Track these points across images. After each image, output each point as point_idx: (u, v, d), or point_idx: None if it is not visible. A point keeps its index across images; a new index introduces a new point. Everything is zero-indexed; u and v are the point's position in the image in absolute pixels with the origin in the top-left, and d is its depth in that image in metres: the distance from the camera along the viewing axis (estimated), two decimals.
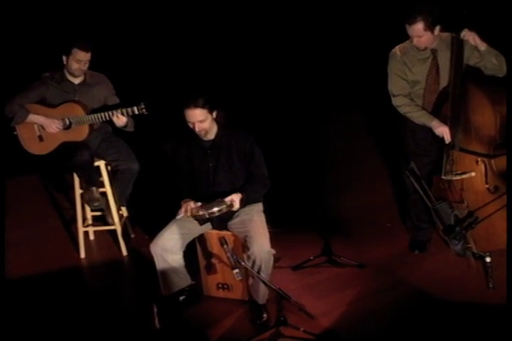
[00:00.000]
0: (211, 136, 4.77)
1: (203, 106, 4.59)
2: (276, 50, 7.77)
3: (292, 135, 6.83)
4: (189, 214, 4.59)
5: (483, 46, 4.72)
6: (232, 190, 4.71)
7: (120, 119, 5.26)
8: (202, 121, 4.62)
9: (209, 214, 4.54)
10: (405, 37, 4.88)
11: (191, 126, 4.66)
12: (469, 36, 4.70)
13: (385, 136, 6.68)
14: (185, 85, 6.90)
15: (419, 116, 4.93)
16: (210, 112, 4.65)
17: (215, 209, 4.54)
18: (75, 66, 5.34)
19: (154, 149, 6.68)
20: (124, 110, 5.24)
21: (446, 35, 4.88)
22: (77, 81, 5.47)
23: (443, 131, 4.81)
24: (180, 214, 4.66)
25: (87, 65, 5.39)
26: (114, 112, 5.25)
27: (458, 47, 4.76)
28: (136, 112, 5.23)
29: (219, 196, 4.65)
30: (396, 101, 4.99)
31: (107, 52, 5.86)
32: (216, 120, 4.74)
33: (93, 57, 5.38)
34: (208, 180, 4.78)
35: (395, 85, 4.97)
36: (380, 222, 5.74)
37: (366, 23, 7.57)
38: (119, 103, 5.50)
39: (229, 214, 4.74)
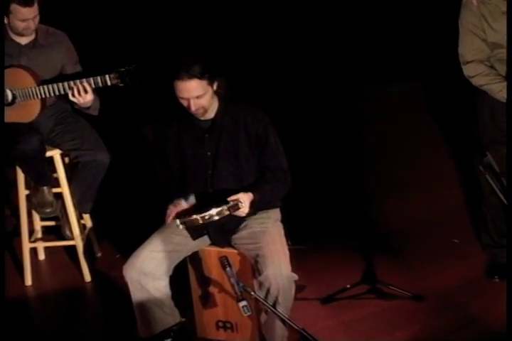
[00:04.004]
0: (210, 114, 4.76)
1: (200, 76, 4.57)
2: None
3: (318, 117, 6.92)
4: (178, 222, 4.52)
5: None
6: (239, 189, 4.68)
7: (83, 95, 5.21)
8: (200, 96, 4.60)
9: (203, 218, 4.47)
10: None
11: (185, 103, 4.65)
12: None
13: (449, 115, 6.74)
14: (173, 45, 6.97)
15: (500, 90, 4.93)
16: (210, 83, 4.64)
17: (213, 211, 4.48)
18: (21, 26, 5.36)
19: (130, 134, 6.76)
20: (91, 80, 5.20)
21: None
22: (24, 41, 5.48)
23: None
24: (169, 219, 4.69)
25: (36, 20, 5.38)
26: (77, 82, 5.21)
27: None
28: (109, 83, 5.19)
29: (221, 199, 4.60)
30: (469, 70, 5.01)
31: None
32: (217, 93, 4.71)
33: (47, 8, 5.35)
34: (205, 176, 4.78)
35: (468, 47, 4.99)
36: (444, 236, 5.77)
37: None
38: (82, 75, 5.43)
39: (234, 224, 4.73)
